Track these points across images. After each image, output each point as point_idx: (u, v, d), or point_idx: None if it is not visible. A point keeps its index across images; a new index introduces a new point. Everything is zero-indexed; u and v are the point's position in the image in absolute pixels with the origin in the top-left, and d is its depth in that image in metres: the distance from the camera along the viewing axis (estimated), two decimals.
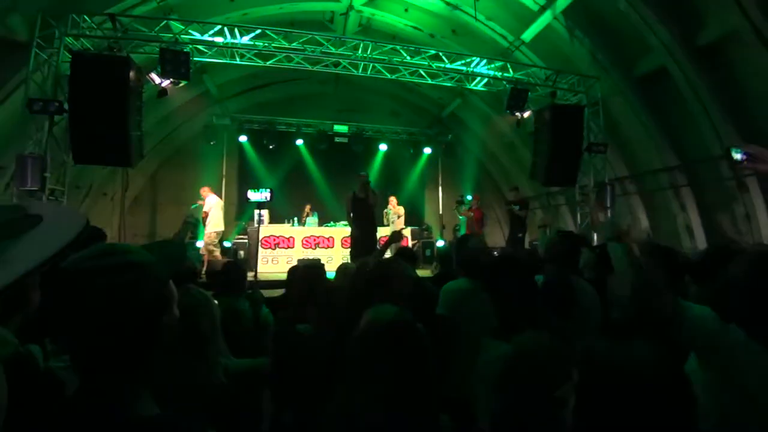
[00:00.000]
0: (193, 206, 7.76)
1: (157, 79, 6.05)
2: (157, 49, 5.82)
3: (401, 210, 9.08)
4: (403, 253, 2.97)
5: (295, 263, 4.89)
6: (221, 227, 7.49)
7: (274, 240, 8.59)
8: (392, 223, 8.89)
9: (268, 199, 6.55)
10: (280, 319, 2.58)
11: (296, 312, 2.53)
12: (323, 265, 2.71)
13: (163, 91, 6.20)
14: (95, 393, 0.68)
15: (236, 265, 2.99)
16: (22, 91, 5.25)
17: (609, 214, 6.92)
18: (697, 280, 1.41)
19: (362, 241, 5.92)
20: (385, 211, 9.12)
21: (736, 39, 5.24)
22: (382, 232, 8.71)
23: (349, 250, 6.67)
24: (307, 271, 3.31)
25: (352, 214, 6.10)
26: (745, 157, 1.48)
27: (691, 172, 6.87)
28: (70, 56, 5.31)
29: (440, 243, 9.86)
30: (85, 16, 5.50)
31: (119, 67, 5.42)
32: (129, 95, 5.48)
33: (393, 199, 9.16)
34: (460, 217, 9.38)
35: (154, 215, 10.43)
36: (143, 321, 0.70)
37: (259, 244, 8.06)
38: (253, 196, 6.47)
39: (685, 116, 6.36)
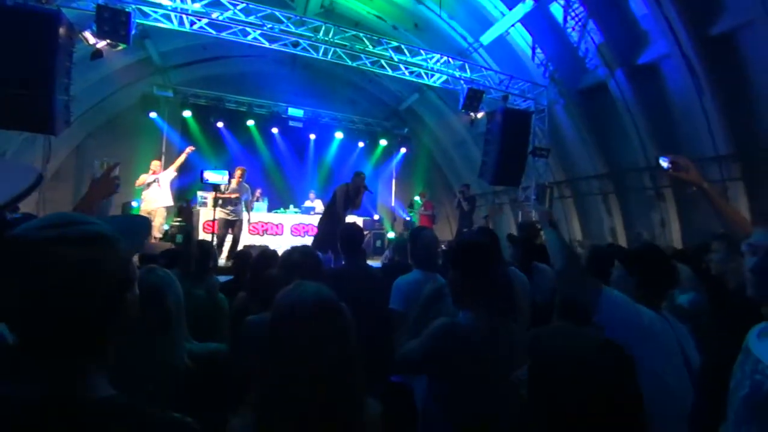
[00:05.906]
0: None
1: (91, 39, 5.41)
2: (93, 6, 5.19)
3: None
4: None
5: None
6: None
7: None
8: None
9: (227, 182, 6.14)
10: (235, 307, 2.49)
11: (248, 299, 2.44)
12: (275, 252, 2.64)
13: (97, 53, 5.57)
14: (51, 378, 0.61)
15: (205, 248, 2.80)
16: None
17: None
18: (628, 270, 1.63)
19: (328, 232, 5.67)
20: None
21: (669, 60, 5.84)
22: None
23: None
24: (257, 258, 3.21)
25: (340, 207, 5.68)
26: (670, 165, 1.67)
27: (618, 180, 7.61)
28: None
29: (391, 234, 10.00)
30: None
31: (47, 21, 4.75)
32: (57, 54, 4.84)
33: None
34: (412, 215, 9.66)
35: (78, 191, 9.37)
36: (108, 299, 0.64)
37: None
38: (211, 177, 5.96)
39: (619, 129, 7.01)
